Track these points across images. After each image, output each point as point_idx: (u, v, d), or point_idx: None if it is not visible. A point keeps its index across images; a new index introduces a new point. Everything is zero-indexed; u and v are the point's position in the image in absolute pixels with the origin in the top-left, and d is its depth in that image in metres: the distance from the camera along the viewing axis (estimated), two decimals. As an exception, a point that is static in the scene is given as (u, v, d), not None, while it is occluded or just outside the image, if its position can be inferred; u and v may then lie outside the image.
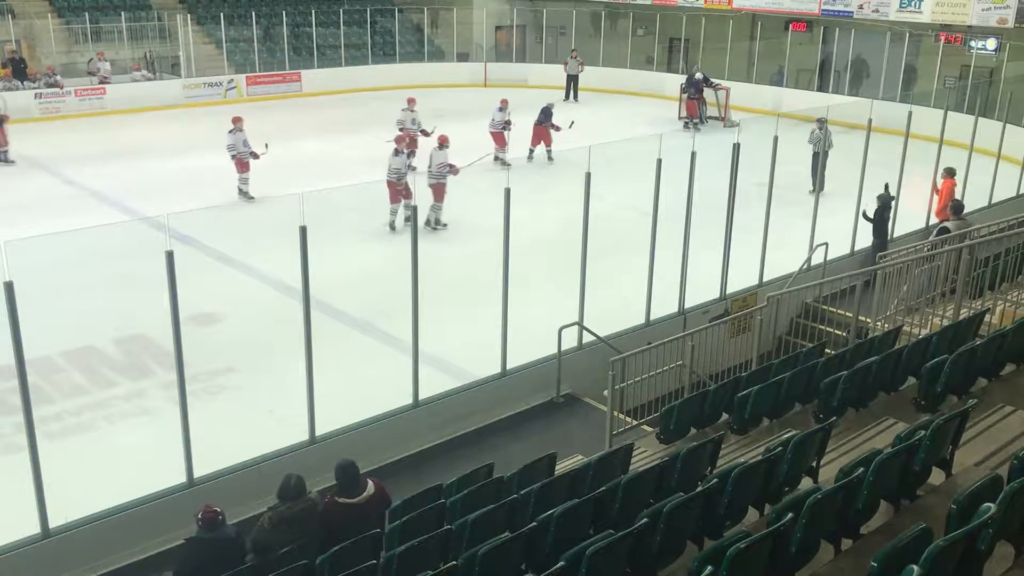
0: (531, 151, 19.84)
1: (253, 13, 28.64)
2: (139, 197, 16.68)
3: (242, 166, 16.78)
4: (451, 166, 15.03)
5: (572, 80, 27.76)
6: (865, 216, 13.38)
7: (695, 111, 23.66)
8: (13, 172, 19.19)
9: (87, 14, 27.25)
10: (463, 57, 32.02)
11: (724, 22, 27.38)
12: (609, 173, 14.25)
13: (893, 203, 13.53)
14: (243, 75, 27.69)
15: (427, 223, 14.89)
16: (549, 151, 19.68)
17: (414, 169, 16.07)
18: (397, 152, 15.14)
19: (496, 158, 18.78)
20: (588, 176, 9.96)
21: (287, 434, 8.51)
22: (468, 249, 13.73)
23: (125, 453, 8.88)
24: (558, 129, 19.55)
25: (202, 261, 13.23)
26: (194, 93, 26.46)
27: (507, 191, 9.21)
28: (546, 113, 19.94)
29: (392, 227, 14.90)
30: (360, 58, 29.93)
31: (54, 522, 7.21)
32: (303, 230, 7.83)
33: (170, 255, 7.20)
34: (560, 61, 28.98)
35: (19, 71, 25.18)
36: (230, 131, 16.88)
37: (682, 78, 26.56)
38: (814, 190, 16.74)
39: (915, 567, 3.90)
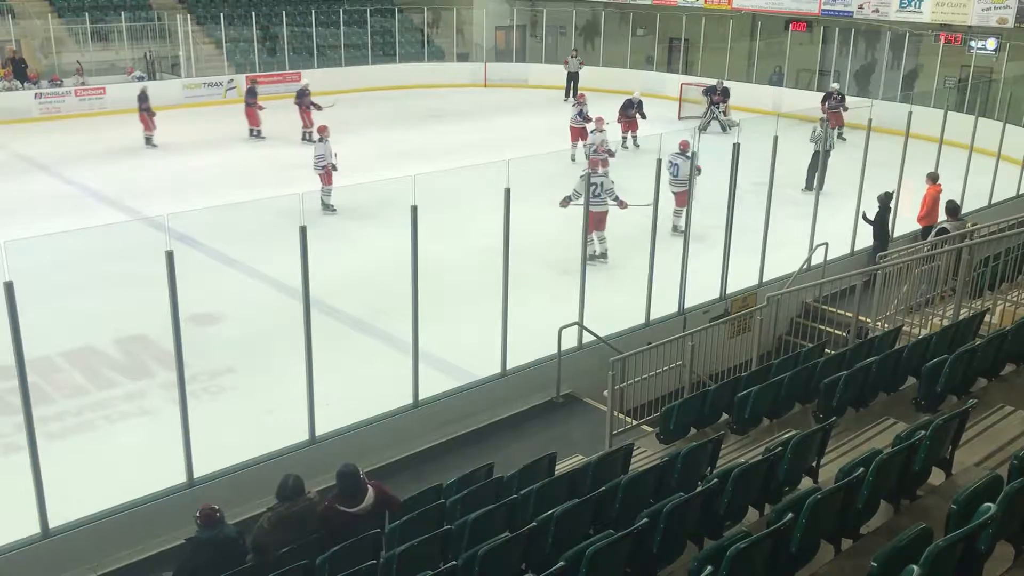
0: (624, 138, 21.54)
1: (253, 13, 28.66)
2: (139, 197, 16.69)
3: (328, 177, 16.40)
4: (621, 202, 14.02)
5: (572, 79, 27.82)
6: (865, 218, 13.38)
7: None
8: (13, 172, 19.20)
9: (87, 14, 27.25)
10: (463, 57, 32.04)
11: (724, 22, 27.40)
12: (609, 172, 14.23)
13: (892, 205, 13.52)
14: (243, 75, 27.66)
15: (674, 229, 14.42)
16: (635, 137, 21.63)
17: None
18: (593, 175, 13.36)
19: (573, 156, 19.49)
20: (588, 176, 9.97)
21: (287, 434, 8.51)
22: (468, 249, 13.72)
23: (125, 453, 8.88)
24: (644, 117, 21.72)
25: (202, 261, 13.23)
26: (194, 93, 26.47)
27: (507, 191, 9.22)
28: (634, 104, 21.71)
29: (594, 257, 13.53)
30: (360, 58, 29.95)
31: (54, 522, 7.21)
32: (303, 230, 7.83)
33: (170, 255, 7.20)
34: (560, 61, 29.01)
35: (20, 71, 25.20)
36: (319, 140, 16.49)
37: (683, 78, 26.73)
38: (806, 188, 16.86)
39: (915, 567, 3.89)
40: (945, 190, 13.78)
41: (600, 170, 13.73)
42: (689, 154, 14.49)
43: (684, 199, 14.28)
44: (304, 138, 21.76)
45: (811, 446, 6.24)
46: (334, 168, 16.46)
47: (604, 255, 13.76)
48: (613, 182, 13.42)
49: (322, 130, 16.68)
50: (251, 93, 22.63)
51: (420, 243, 8.73)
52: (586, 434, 9.48)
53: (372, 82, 28.87)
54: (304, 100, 21.98)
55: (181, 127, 23.72)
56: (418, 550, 5.54)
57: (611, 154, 17.07)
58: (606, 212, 13.39)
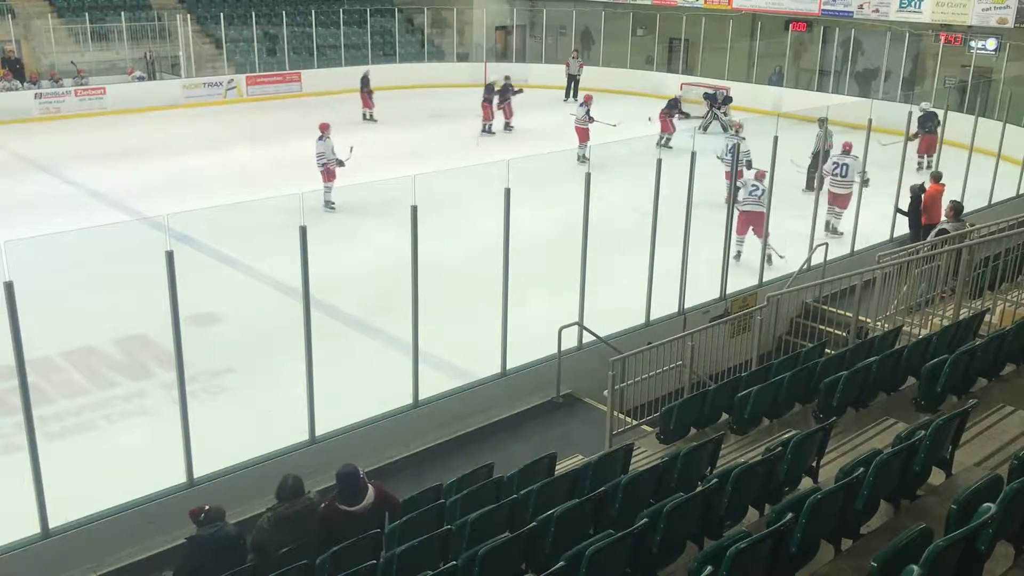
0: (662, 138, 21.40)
1: (253, 13, 28.65)
2: (139, 197, 16.69)
3: (328, 175, 16.44)
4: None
5: (572, 80, 27.84)
6: (899, 210, 13.44)
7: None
8: (13, 172, 19.19)
9: (87, 14, 27.26)
10: (463, 57, 32.03)
11: (724, 22, 27.40)
12: (609, 173, 14.23)
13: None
14: (243, 75, 27.70)
15: (833, 230, 14.50)
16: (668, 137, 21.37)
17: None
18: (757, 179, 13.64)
19: (579, 156, 19.38)
20: (588, 176, 9.97)
21: (287, 434, 8.51)
22: (468, 249, 13.72)
23: (125, 453, 8.88)
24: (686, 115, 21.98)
25: (202, 261, 13.23)
26: (194, 93, 26.47)
27: (507, 191, 9.22)
28: (672, 105, 21.99)
29: (737, 259, 13.23)
30: (360, 58, 29.93)
31: (54, 522, 7.21)
32: (303, 230, 7.83)
33: (170, 255, 7.20)
34: (560, 61, 29.02)
35: (16, 71, 25.21)
36: (319, 139, 16.53)
37: (683, 78, 26.72)
38: (807, 189, 16.88)
39: (915, 567, 3.89)
40: (946, 190, 13.79)
41: (755, 175, 13.55)
42: (855, 154, 14.51)
43: (846, 201, 14.38)
44: (487, 130, 23.05)
45: (811, 446, 6.24)
46: (340, 164, 16.52)
47: (769, 258, 12.95)
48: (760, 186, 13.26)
49: (323, 128, 16.69)
50: (365, 82, 24.59)
51: (420, 243, 8.73)
52: (586, 434, 9.47)
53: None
54: (490, 95, 23.08)
55: (181, 127, 23.76)
56: (418, 550, 5.54)
57: (748, 165, 16.60)
58: (762, 214, 12.97)
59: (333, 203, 16.35)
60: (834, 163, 14.49)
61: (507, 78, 23.56)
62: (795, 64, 27.62)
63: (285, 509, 6.16)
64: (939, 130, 17.14)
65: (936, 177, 13.89)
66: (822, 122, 16.85)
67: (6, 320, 6.58)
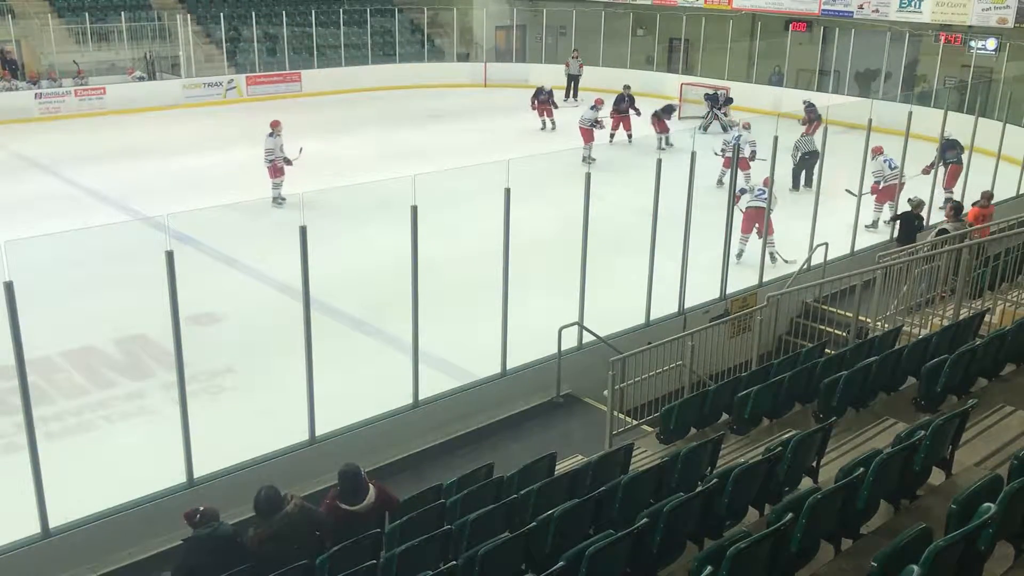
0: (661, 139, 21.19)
1: (253, 13, 28.66)
2: (139, 197, 16.69)
3: (276, 171, 16.49)
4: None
5: (572, 80, 27.83)
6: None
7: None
8: (13, 172, 19.19)
9: (87, 14, 27.26)
10: (463, 57, 32.04)
11: (724, 22, 27.40)
12: (610, 173, 14.24)
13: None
14: (243, 75, 27.70)
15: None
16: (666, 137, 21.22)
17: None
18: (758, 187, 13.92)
19: (584, 157, 19.29)
20: (588, 176, 9.97)
21: (287, 434, 8.51)
22: (468, 249, 13.71)
23: (125, 453, 8.88)
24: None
25: (202, 261, 13.23)
26: (194, 93, 26.47)
27: (507, 191, 9.23)
28: (667, 110, 21.79)
29: (739, 257, 13.29)
30: (360, 58, 29.96)
31: (54, 522, 7.21)
32: (303, 230, 7.83)
33: (170, 255, 7.20)
34: (560, 61, 29.02)
35: (13, 72, 25.21)
36: (269, 135, 16.62)
37: (683, 78, 26.69)
38: (793, 188, 17.01)
39: (915, 567, 3.90)
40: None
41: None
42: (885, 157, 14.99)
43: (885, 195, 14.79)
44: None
45: (811, 446, 6.24)
46: (288, 163, 16.54)
47: (773, 256, 13.19)
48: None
49: (274, 125, 16.74)
50: (541, 92, 23.85)
51: (420, 243, 8.73)
52: (586, 434, 9.48)
53: (372, 82, 28.87)
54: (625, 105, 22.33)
55: (181, 127, 23.75)
56: (418, 550, 5.54)
57: (753, 156, 16.72)
58: (762, 211, 12.98)
59: (283, 199, 16.26)
60: (885, 161, 14.84)
61: (626, 87, 22.83)
62: (795, 64, 27.62)
63: (265, 530, 6.05)
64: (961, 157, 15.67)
65: (988, 197, 13.30)
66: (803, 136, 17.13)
67: (6, 320, 6.58)
